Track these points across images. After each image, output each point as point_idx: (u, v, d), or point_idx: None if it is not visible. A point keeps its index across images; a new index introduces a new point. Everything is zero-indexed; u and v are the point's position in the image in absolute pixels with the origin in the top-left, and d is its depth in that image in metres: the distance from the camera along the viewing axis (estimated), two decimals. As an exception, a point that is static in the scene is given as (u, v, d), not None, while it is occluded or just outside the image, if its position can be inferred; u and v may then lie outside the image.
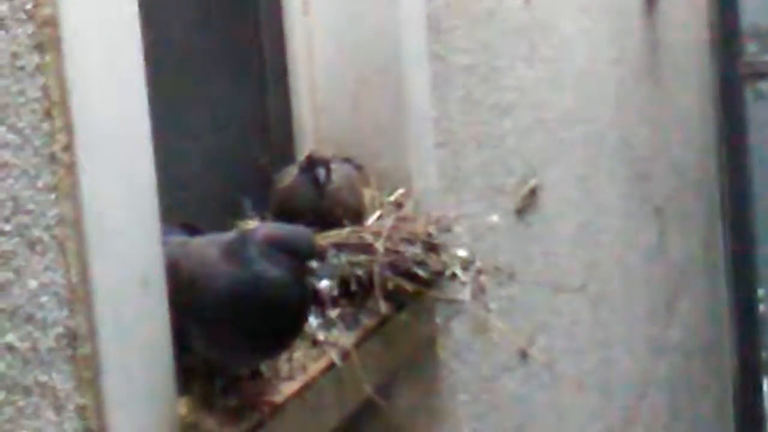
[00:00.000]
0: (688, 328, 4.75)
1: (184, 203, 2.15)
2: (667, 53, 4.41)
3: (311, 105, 2.46)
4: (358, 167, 2.39)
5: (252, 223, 2.21)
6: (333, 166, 2.25)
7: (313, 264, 1.76)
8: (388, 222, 2.25)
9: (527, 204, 3.10)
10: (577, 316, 3.47)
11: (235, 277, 1.74)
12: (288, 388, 1.92)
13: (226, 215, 2.24)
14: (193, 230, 1.99)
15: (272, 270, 1.73)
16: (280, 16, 2.44)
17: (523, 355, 3.06)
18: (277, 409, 1.88)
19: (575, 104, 3.50)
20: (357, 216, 2.26)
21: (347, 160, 2.38)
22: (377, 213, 2.33)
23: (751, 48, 4.72)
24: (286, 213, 2.22)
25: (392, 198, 2.39)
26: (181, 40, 2.25)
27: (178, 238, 1.90)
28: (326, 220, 2.20)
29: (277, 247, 1.75)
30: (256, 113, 2.44)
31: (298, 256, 1.75)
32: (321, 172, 2.22)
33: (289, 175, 2.28)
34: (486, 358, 2.86)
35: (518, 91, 3.07)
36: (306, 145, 2.46)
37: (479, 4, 2.85)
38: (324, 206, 2.22)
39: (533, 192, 3.13)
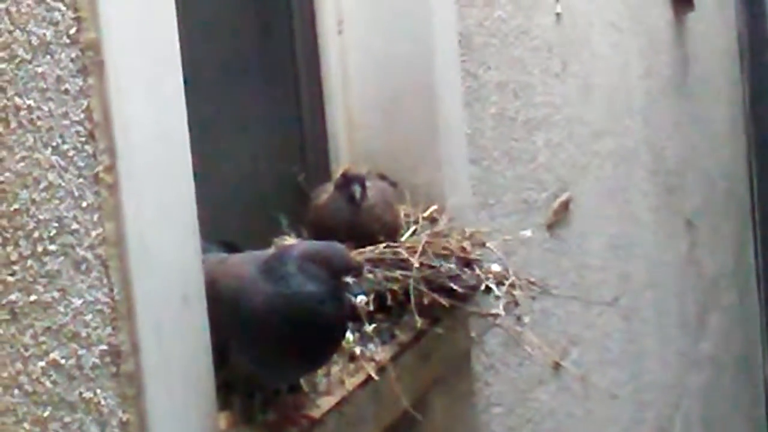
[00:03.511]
0: (720, 341, 4.75)
1: (222, 221, 2.18)
2: (696, 66, 4.42)
3: (346, 122, 2.49)
4: (393, 184, 2.41)
5: (289, 240, 2.24)
6: (368, 183, 2.27)
7: (349, 279, 1.79)
8: (423, 238, 2.27)
9: (559, 218, 3.11)
10: (610, 329, 3.49)
11: (272, 293, 1.76)
12: (326, 403, 1.94)
13: (263, 232, 2.27)
14: (231, 247, 2.02)
15: (309, 286, 1.76)
16: (315, 36, 2.47)
17: (556, 367, 3.07)
18: (315, 423, 1.90)
19: (606, 118, 3.52)
20: (392, 232, 2.28)
21: (382, 176, 2.40)
22: (412, 229, 2.35)
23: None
24: (322, 230, 2.24)
25: (426, 214, 2.41)
26: (217, 60, 2.28)
27: (217, 256, 1.93)
28: (362, 237, 2.22)
29: (313, 263, 1.78)
30: (292, 132, 2.47)
31: (334, 271, 1.78)
32: (356, 189, 2.24)
33: (325, 192, 2.30)
34: (519, 372, 2.88)
35: (550, 106, 3.09)
36: (341, 162, 2.48)
37: (510, 22, 2.87)
38: (359, 222, 2.24)
39: (565, 206, 3.15)
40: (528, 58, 2.97)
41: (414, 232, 2.34)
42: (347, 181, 2.26)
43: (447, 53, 2.53)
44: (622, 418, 3.63)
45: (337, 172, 2.42)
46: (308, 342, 1.77)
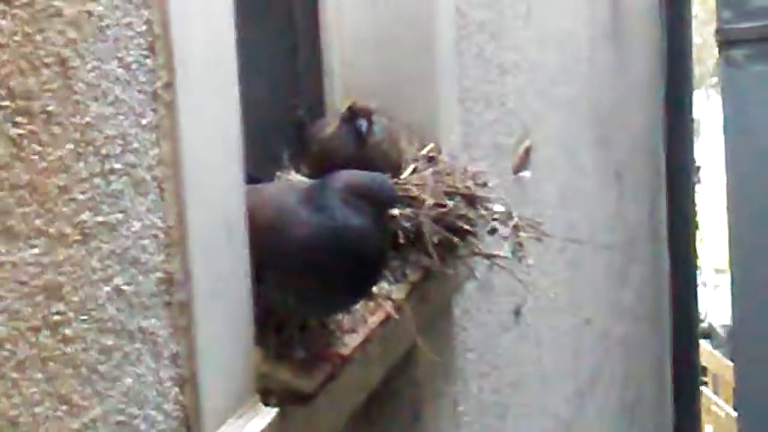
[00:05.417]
0: (637, 292, 4.80)
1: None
2: (626, 18, 4.43)
3: (341, 58, 2.41)
4: (390, 120, 2.35)
5: (292, 174, 2.16)
6: (374, 117, 2.20)
7: (395, 211, 1.73)
8: (428, 176, 2.21)
9: (523, 164, 3.09)
10: (558, 278, 3.48)
11: (317, 225, 1.69)
12: (352, 341, 1.88)
13: (261, 166, 2.19)
14: (250, 178, 1.93)
15: (354, 218, 1.70)
16: (313, -32, 2.39)
17: (517, 313, 3.05)
18: (344, 360, 1.84)
19: (560, 66, 3.50)
20: (396, 168, 2.22)
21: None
22: (412, 166, 2.29)
23: (725, 15, 4.74)
24: (325, 163, 2.16)
25: (424, 152, 2.35)
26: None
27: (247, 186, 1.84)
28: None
29: (358, 194, 1.72)
30: (287, 66, 2.38)
31: (380, 203, 1.72)
32: (363, 123, 2.17)
33: (329, 126, 2.23)
34: (489, 317, 2.85)
35: (517, 50, 3.05)
36: (335, 97, 2.41)
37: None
38: (365, 157, 2.17)
39: (527, 152, 3.12)
40: None
41: (415, 170, 2.28)
42: (353, 115, 2.19)
43: (443, -12, 2.47)
44: (564, 367, 3.64)
45: (332, 109, 2.35)
46: (353, 275, 1.71)
